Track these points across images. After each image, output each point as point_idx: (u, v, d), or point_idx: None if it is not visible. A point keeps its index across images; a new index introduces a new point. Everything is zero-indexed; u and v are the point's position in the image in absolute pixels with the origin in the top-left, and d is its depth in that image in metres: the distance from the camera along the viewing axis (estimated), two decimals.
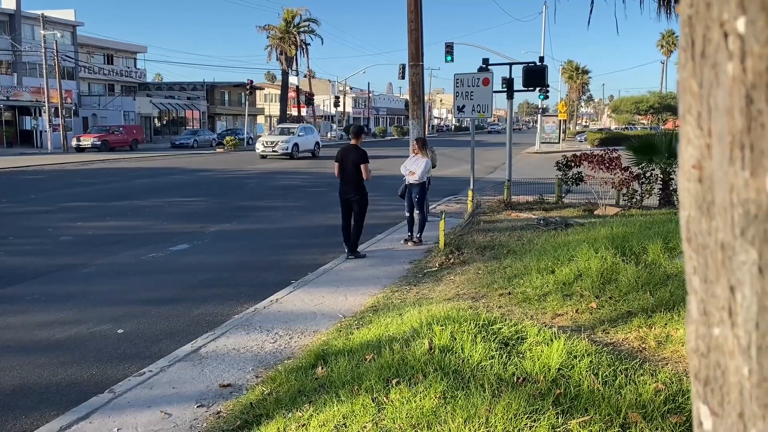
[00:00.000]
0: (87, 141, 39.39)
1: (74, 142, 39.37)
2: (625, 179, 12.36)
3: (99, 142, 39.22)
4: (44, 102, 39.50)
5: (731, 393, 0.51)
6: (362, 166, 8.62)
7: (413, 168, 9.56)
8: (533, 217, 11.97)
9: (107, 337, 5.84)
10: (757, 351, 0.49)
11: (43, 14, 40.68)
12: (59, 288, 7.53)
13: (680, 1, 0.54)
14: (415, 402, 3.66)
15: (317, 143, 37.08)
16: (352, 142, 8.97)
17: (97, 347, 5.59)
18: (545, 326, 4.94)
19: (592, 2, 5.69)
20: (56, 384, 4.83)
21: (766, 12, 0.46)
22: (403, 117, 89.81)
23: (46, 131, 40.30)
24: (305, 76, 62.15)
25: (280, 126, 39.31)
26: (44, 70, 38.76)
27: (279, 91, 59.59)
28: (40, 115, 41.97)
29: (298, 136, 34.88)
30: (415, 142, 10.07)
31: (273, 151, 33.44)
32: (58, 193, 17.29)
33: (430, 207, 11.73)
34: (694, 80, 0.53)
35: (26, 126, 44.87)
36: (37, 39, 43.01)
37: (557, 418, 3.41)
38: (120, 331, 6.01)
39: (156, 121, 57.22)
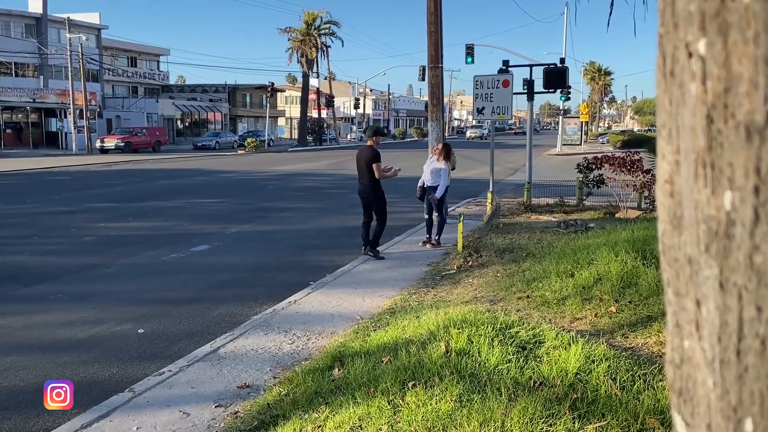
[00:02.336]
0: (111, 142, 40.01)
1: (98, 144, 40.00)
2: (647, 182, 12.21)
3: (122, 144, 39.79)
4: (69, 104, 40.17)
5: (700, 405, 0.52)
6: (374, 166, 8.69)
7: (435, 180, 9.52)
8: (553, 219, 11.90)
9: (128, 337, 5.91)
10: (719, 364, 0.50)
11: (68, 18, 41.35)
12: (81, 287, 7.65)
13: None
14: (431, 405, 3.66)
15: None
16: (369, 143, 9.03)
17: (118, 347, 5.66)
18: (563, 330, 4.91)
19: (612, 4, 5.65)
20: (77, 382, 4.89)
21: (723, 35, 0.47)
22: (423, 118, 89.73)
23: (70, 133, 40.99)
24: (326, 78, 62.39)
25: None
26: (69, 73, 39.40)
27: (300, 94, 59.88)
28: (65, 116, 42.72)
29: None
30: (440, 146, 9.98)
31: None
32: (81, 194, 17.56)
33: (449, 209, 11.71)
34: (666, 97, 0.54)
35: (52, 127, 45.65)
36: (62, 42, 43.75)
37: (574, 422, 3.39)
38: (140, 330, 6.08)
39: (178, 122, 57.87)
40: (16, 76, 46.12)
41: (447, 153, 9.68)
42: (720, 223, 0.49)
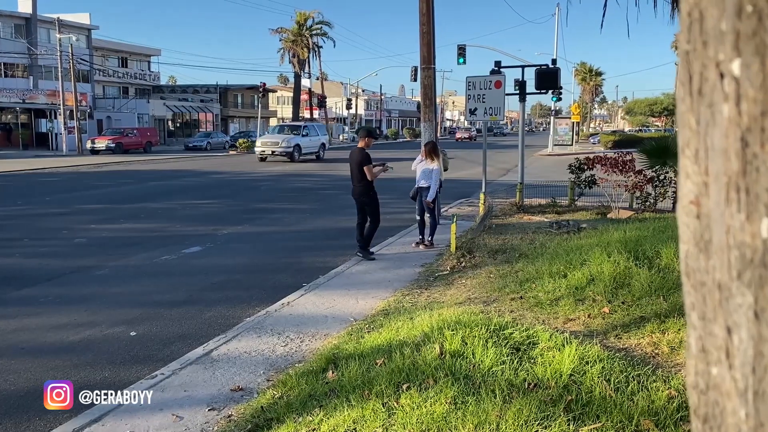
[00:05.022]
0: (101, 143, 39.75)
1: (89, 145, 39.73)
2: (639, 182, 12.27)
3: (113, 145, 39.56)
4: (59, 105, 39.94)
5: None
6: (365, 168, 8.76)
7: (426, 181, 9.53)
8: (546, 220, 11.92)
9: (120, 340, 5.87)
10: (753, 396, 0.48)
11: (58, 18, 41.12)
12: (73, 290, 7.59)
13: (679, 36, 0.53)
14: (425, 407, 3.65)
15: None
16: (360, 144, 9.04)
17: (110, 350, 5.62)
18: (557, 331, 4.91)
19: (605, 6, 5.67)
20: None
21: (760, 56, 0.45)
22: (415, 119, 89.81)
23: (61, 134, 40.75)
24: (318, 79, 62.32)
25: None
26: (60, 74, 39.17)
27: (291, 94, 59.82)
28: (56, 117, 42.47)
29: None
30: (423, 147, 9.96)
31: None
32: (72, 195, 17.44)
33: (442, 210, 11.71)
34: (692, 116, 0.52)
35: (42, 128, 45.36)
36: (52, 42, 43.51)
37: (568, 424, 3.39)
38: (132, 333, 6.04)
39: (170, 123, 57.62)
40: (6, 76, 45.82)
41: (433, 149, 9.63)
42: (755, 250, 0.47)
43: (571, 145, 46.87)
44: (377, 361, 4.47)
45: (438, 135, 13.56)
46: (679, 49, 0.53)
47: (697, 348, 0.54)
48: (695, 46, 0.51)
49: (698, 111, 0.51)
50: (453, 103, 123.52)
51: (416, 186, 9.80)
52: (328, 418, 3.76)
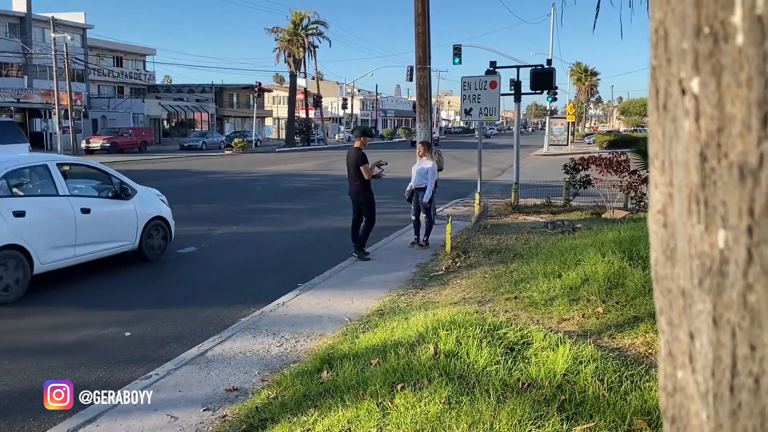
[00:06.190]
0: (96, 143, 39.70)
1: (84, 144, 39.66)
2: (634, 182, 12.30)
3: (108, 144, 39.51)
4: (54, 104, 39.76)
5: None
6: (361, 168, 8.80)
7: (422, 181, 9.61)
8: (540, 220, 11.95)
9: (114, 340, 5.87)
10: (713, 398, 0.50)
11: (53, 17, 40.98)
12: (68, 290, 7.57)
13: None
14: (419, 407, 3.66)
15: None
16: (356, 144, 9.07)
17: (105, 350, 5.62)
18: (551, 331, 4.93)
19: (598, 7, 5.69)
20: None
21: (716, 76, 0.47)
22: (411, 119, 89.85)
23: (56, 133, 40.54)
24: (313, 79, 62.30)
25: None
26: (54, 73, 39.03)
27: (287, 94, 59.79)
28: (50, 117, 42.28)
29: None
30: (420, 144, 10.22)
31: None
32: None
33: (437, 210, 11.73)
34: (659, 129, 0.54)
35: (36, 128, 45.15)
36: (47, 42, 43.34)
37: (562, 424, 3.41)
38: (127, 334, 6.04)
39: (165, 123, 57.53)
40: (0, 75, 45.62)
41: (428, 147, 10.02)
42: (713, 260, 0.49)
43: (567, 145, 46.92)
44: (372, 361, 4.48)
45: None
46: (649, 65, 0.55)
47: (665, 352, 0.56)
48: (661, 62, 0.53)
49: (663, 124, 0.53)
50: (449, 103, 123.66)
51: (412, 187, 9.84)
52: (322, 418, 3.77)
